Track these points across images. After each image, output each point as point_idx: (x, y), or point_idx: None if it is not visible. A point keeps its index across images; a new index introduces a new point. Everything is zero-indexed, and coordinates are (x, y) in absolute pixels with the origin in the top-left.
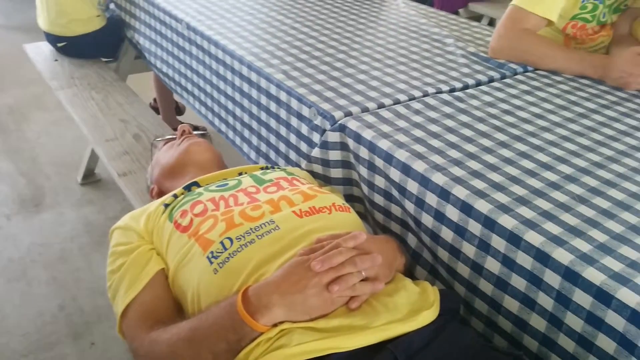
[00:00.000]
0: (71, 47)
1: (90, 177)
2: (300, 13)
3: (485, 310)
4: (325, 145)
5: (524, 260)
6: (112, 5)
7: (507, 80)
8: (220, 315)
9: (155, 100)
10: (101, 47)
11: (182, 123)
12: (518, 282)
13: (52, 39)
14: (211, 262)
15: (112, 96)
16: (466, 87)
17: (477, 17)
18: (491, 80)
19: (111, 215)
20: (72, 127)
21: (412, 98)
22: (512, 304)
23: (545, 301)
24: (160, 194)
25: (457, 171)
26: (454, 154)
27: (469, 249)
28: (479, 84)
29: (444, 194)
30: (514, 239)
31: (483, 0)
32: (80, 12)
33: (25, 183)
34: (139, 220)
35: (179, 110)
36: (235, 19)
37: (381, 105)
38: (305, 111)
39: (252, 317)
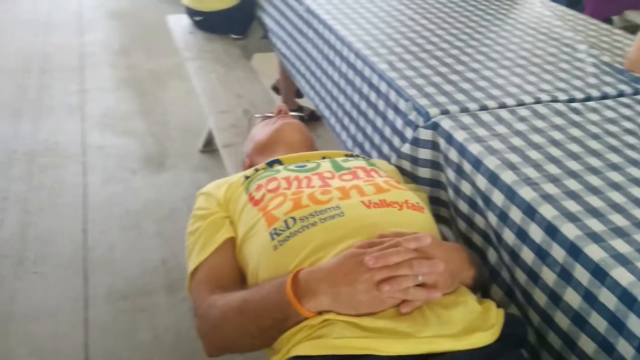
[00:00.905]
0: (206, 22)
1: (209, 146)
2: (423, 5)
3: (558, 345)
4: (416, 142)
5: (608, 299)
6: None
7: None
8: (270, 292)
9: (278, 80)
10: (232, 24)
11: (302, 106)
12: (598, 322)
13: (191, 12)
14: (273, 239)
15: (233, 71)
16: (588, 98)
17: (634, 27)
18: (620, 94)
19: None
20: None
21: (521, 104)
22: (588, 345)
23: (625, 350)
24: (251, 167)
25: (550, 188)
26: (552, 169)
27: (549, 276)
28: (604, 97)
29: (530, 211)
30: (599, 274)
31: None
32: None
33: (153, 143)
34: (221, 189)
35: (299, 93)
36: (354, 5)
37: (483, 107)
38: (402, 105)
39: (299, 300)
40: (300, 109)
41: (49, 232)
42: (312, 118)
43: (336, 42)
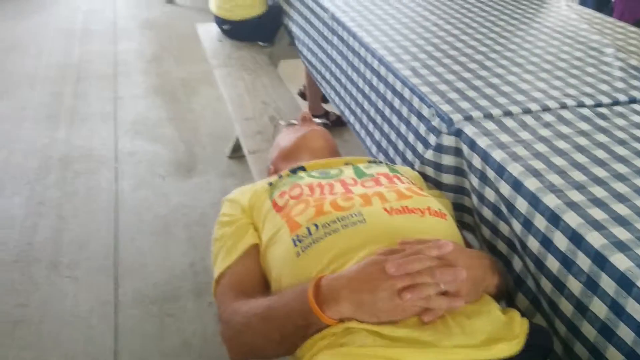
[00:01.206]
0: (234, 30)
1: (237, 152)
2: (447, 10)
3: (585, 357)
4: (439, 149)
5: (635, 309)
6: None
7: None
8: (292, 299)
9: (305, 86)
10: (260, 31)
11: (328, 111)
12: (625, 333)
13: (219, 21)
14: (295, 245)
15: (259, 78)
16: (615, 103)
17: None
18: None
19: None
20: None
21: (546, 109)
22: (615, 357)
23: None
24: (275, 174)
25: (575, 196)
26: (578, 176)
27: (574, 285)
28: (632, 101)
29: (554, 219)
30: (626, 283)
31: None
32: None
33: (183, 149)
34: (245, 195)
35: (326, 98)
36: (379, 12)
37: (507, 113)
38: (425, 111)
39: (320, 307)
40: (326, 114)
41: (82, 237)
42: (338, 123)
43: (360, 49)
